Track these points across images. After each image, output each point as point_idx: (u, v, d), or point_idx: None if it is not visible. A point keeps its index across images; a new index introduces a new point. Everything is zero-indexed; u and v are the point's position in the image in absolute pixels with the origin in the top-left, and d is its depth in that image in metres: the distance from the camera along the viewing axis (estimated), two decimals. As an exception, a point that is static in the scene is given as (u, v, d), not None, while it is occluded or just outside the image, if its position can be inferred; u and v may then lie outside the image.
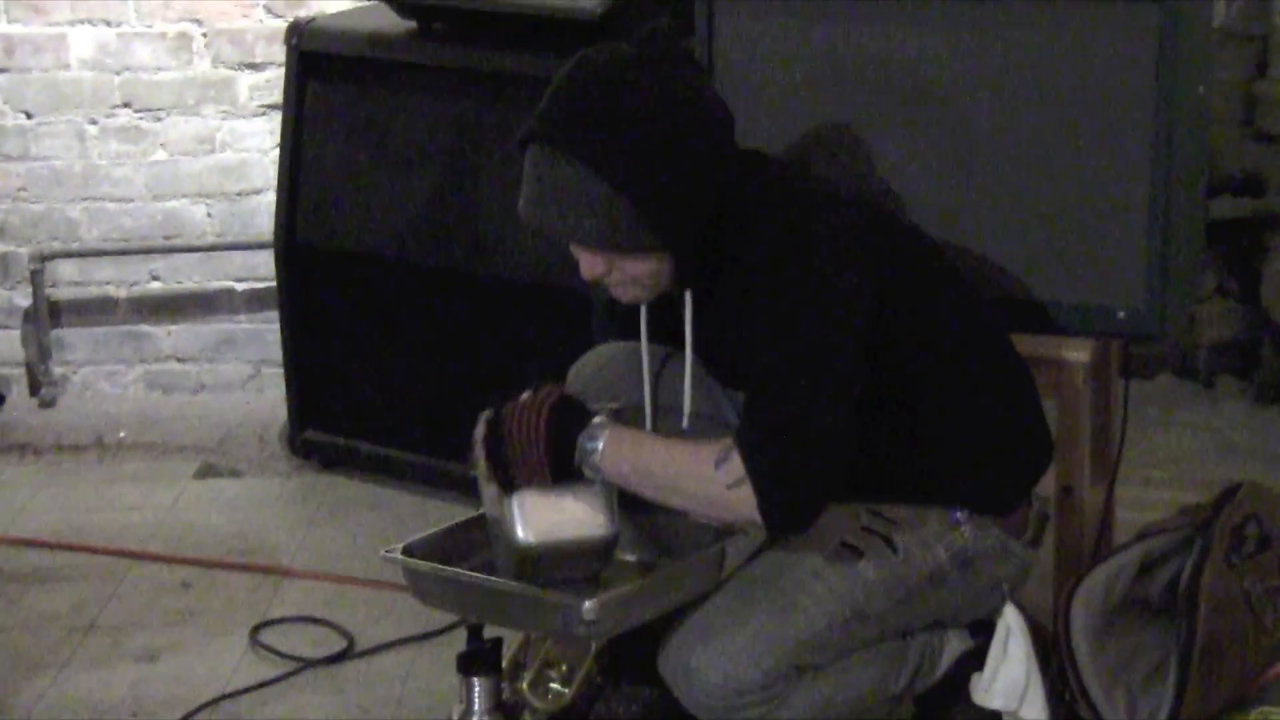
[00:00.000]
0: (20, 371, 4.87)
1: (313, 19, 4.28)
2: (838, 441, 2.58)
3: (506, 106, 3.93)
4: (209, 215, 4.80)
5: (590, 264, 2.70)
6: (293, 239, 4.26)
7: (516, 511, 2.70)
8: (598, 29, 3.77)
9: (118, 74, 4.71)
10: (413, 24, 4.12)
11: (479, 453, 2.71)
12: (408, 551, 2.82)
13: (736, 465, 2.57)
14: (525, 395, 2.73)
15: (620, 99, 2.59)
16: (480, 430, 2.72)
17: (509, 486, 2.70)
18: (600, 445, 2.67)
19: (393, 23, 4.13)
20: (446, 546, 2.86)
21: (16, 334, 4.85)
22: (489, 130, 3.97)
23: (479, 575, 2.77)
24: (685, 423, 2.87)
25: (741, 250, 2.69)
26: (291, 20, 4.30)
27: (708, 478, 2.60)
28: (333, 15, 4.41)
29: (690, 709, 2.71)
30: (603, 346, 3.08)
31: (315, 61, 4.19)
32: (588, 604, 2.61)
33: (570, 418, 2.69)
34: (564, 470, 2.69)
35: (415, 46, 4.07)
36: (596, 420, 2.69)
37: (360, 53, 4.13)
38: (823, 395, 2.58)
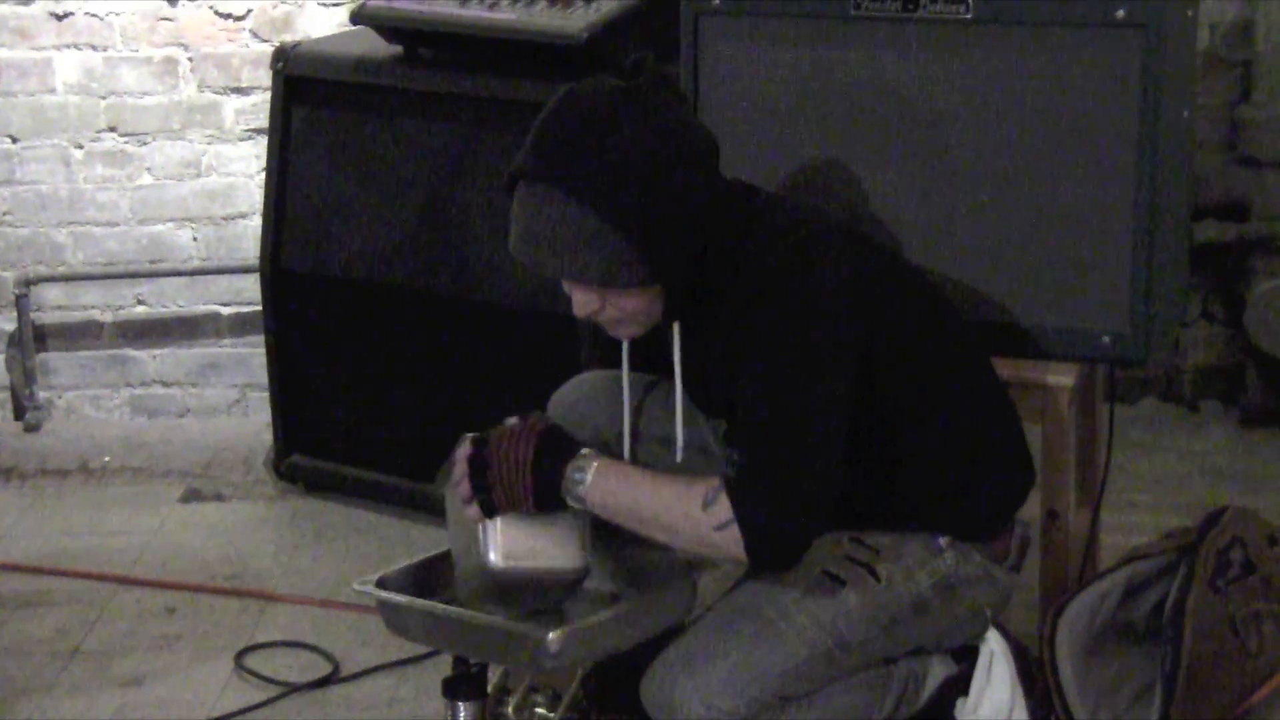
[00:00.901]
0: (5, 395, 4.86)
1: (298, 44, 4.29)
2: (825, 487, 2.60)
3: (492, 131, 3.94)
4: (194, 239, 4.80)
5: (583, 301, 2.70)
6: (278, 263, 4.26)
7: (491, 534, 2.71)
8: (583, 54, 3.78)
9: (103, 98, 4.71)
10: (398, 49, 4.13)
11: (460, 472, 2.71)
12: (381, 583, 2.84)
13: (724, 507, 2.58)
14: (513, 421, 2.73)
15: (609, 133, 2.59)
16: (465, 450, 2.72)
17: (489, 510, 2.70)
18: (588, 477, 2.67)
19: (379, 47, 4.14)
20: (420, 578, 2.89)
21: (1, 358, 4.85)
22: (475, 155, 3.97)
23: (446, 606, 2.79)
24: (679, 456, 2.86)
25: (728, 283, 2.69)
26: (277, 45, 4.31)
27: (695, 517, 2.61)
28: (318, 40, 4.42)
29: (673, 740, 2.71)
30: (585, 374, 3.09)
31: (301, 86, 4.20)
32: (552, 635, 2.63)
33: (557, 447, 2.69)
34: (547, 499, 2.69)
35: (401, 71, 4.08)
36: (585, 451, 2.70)
37: (346, 77, 4.13)
38: (811, 442, 2.59)
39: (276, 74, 4.22)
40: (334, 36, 4.45)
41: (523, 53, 3.90)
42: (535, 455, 2.67)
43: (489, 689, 2.91)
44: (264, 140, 4.45)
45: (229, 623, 3.74)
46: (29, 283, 4.76)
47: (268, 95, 4.34)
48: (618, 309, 2.70)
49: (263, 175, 4.46)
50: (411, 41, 4.11)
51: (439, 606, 2.79)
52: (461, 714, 2.86)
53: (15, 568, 4.00)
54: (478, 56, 3.99)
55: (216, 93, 4.72)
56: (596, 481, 2.67)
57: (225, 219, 4.78)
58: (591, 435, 2.99)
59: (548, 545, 2.72)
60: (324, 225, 4.19)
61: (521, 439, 2.69)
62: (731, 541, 2.59)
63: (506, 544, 2.70)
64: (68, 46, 4.69)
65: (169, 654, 3.63)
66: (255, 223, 4.60)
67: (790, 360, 2.61)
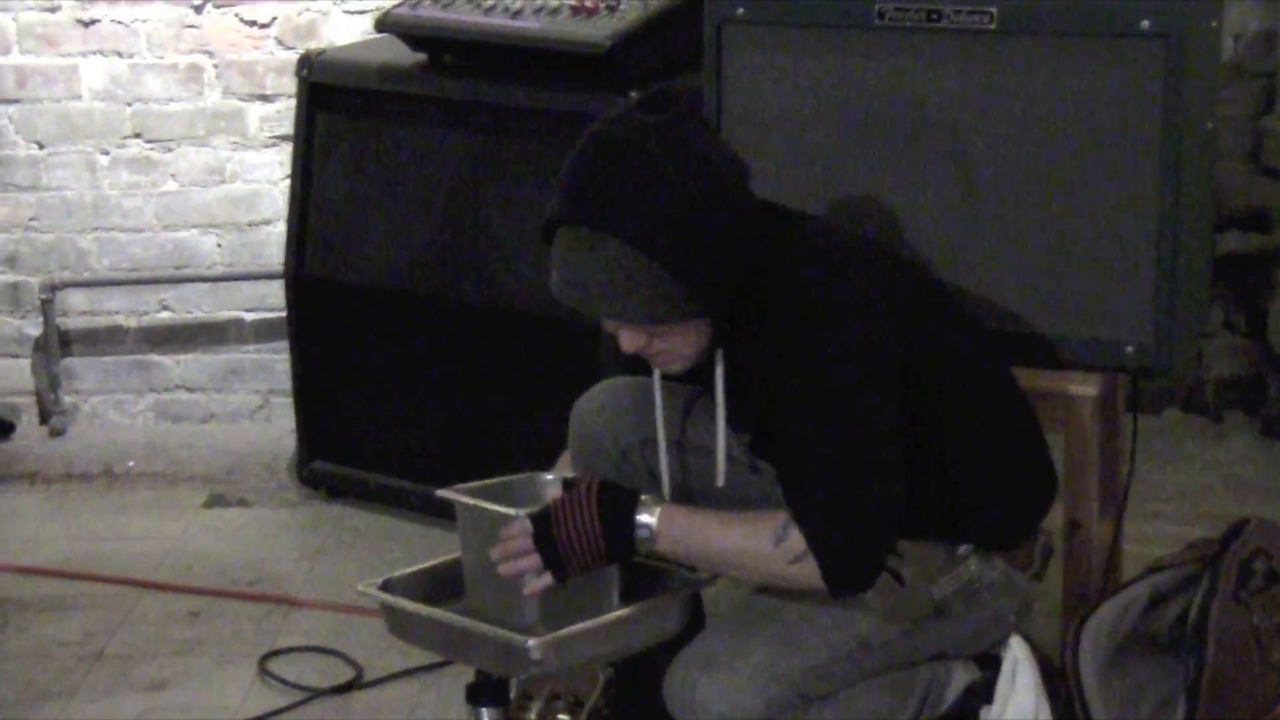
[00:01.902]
0: (30, 400, 4.88)
1: (323, 51, 4.30)
2: (892, 505, 2.61)
3: (516, 139, 3.94)
4: (219, 245, 4.81)
5: (631, 338, 2.69)
6: (302, 269, 4.27)
7: (530, 603, 2.72)
8: (606, 62, 3.79)
9: (129, 105, 4.73)
10: (422, 56, 4.14)
11: (530, 563, 2.69)
12: (386, 586, 2.85)
13: (796, 541, 2.60)
14: (552, 479, 2.75)
15: (644, 170, 2.57)
16: (524, 527, 2.70)
17: (563, 578, 2.71)
18: (654, 526, 2.68)
19: (403, 55, 4.15)
20: (427, 583, 2.90)
21: (26, 363, 4.87)
22: (498, 162, 3.98)
23: (436, 610, 2.79)
24: (720, 480, 2.86)
25: (763, 305, 2.69)
26: (302, 52, 4.32)
27: (768, 554, 2.62)
28: (343, 47, 4.43)
29: (695, 741, 2.71)
30: (608, 381, 3.08)
31: (325, 93, 4.21)
32: (532, 642, 2.63)
33: (618, 503, 2.69)
34: (619, 554, 2.70)
35: (425, 79, 4.09)
36: (644, 498, 2.70)
37: (370, 85, 4.14)
38: (872, 462, 2.60)
39: (301, 81, 4.23)
40: (358, 44, 4.46)
41: (546, 61, 3.90)
42: (601, 517, 2.67)
43: (511, 695, 2.92)
44: (288, 147, 4.47)
45: (252, 628, 3.75)
46: (54, 288, 4.78)
47: (292, 102, 4.35)
48: (666, 343, 2.70)
49: (287, 182, 4.47)
50: (435, 49, 4.11)
51: (429, 610, 2.79)
52: (485, 720, 2.87)
53: (39, 572, 4.02)
54: (501, 64, 4.00)
55: (241, 99, 4.74)
56: (663, 530, 2.68)
57: (249, 225, 4.80)
58: (613, 442, 3.00)
59: (584, 602, 2.74)
60: (347, 232, 4.21)
61: (582, 506, 2.68)
62: (808, 574, 2.60)
63: (547, 607, 2.72)
64: (94, 53, 4.70)
65: (192, 659, 3.64)
66: (279, 229, 4.61)
67: (837, 385, 2.61)
